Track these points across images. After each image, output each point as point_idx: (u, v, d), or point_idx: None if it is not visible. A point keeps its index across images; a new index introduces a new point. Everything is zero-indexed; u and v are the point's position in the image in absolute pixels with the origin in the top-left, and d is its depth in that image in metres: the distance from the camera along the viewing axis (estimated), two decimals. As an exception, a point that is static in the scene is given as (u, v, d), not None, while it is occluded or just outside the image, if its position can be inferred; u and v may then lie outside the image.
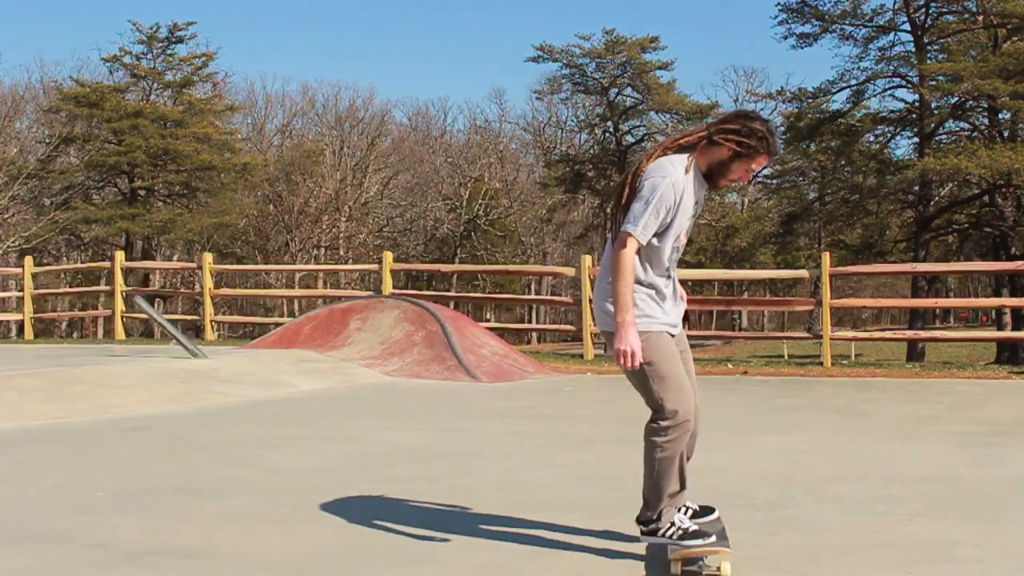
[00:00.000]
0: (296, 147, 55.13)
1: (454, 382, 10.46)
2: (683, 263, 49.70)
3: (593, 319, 4.27)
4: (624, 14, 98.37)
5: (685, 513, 3.93)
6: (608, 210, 4.03)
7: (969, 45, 35.62)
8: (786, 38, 38.50)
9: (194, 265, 21.17)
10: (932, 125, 35.49)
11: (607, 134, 50.26)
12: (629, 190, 3.71)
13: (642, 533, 3.87)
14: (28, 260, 18.94)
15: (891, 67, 36.32)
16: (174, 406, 8.66)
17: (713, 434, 7.16)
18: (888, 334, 22.37)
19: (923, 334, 25.86)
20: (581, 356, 13.89)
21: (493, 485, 5.42)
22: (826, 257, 13.31)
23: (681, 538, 3.74)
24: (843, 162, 38.40)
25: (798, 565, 3.84)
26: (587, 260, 14.11)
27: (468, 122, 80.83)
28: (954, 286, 61.81)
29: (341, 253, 53.65)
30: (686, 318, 4.03)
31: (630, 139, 49.64)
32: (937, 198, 36.97)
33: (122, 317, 17.47)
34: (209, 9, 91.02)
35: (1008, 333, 31.02)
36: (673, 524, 3.79)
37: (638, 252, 3.69)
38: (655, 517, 3.81)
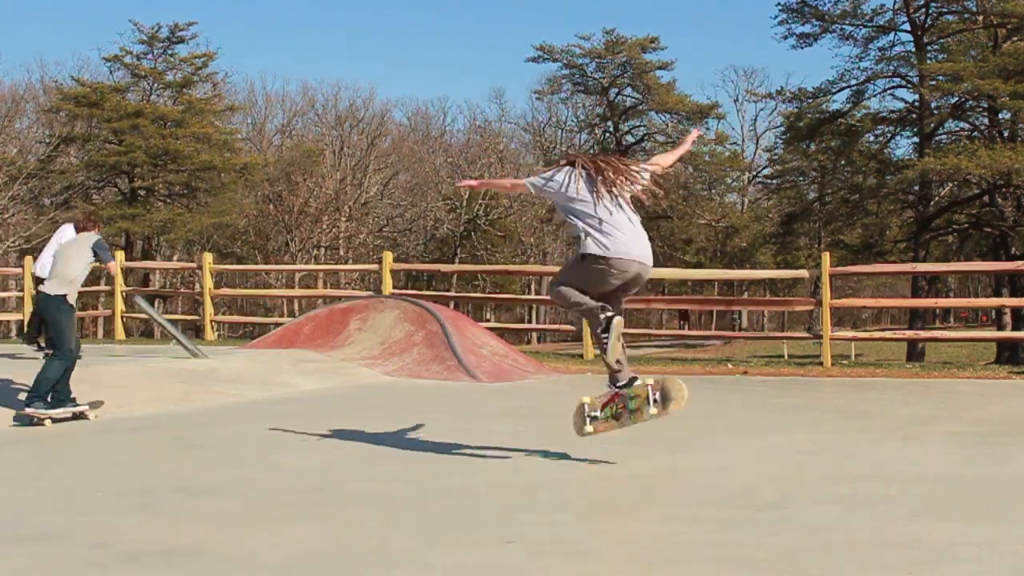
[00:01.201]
0: (296, 147, 55.09)
1: (454, 382, 10.45)
2: (683, 263, 49.66)
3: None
4: (624, 14, 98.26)
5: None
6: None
7: (969, 45, 35.59)
8: (786, 38, 38.48)
9: (194, 265, 21.16)
10: (932, 125, 35.46)
11: (607, 134, 50.23)
12: None
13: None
14: (28, 260, 18.91)
15: (891, 67, 36.30)
16: (174, 406, 8.67)
17: (713, 434, 7.17)
18: (888, 334, 22.37)
19: (923, 334, 25.85)
20: (581, 356, 13.89)
21: (493, 485, 5.42)
22: (826, 257, 13.30)
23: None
24: (843, 162, 38.38)
25: (798, 565, 3.84)
26: (587, 260, 14.09)
27: (468, 122, 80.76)
28: (954, 286, 61.80)
29: (341, 253, 53.63)
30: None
31: (630, 139, 49.63)
32: (937, 198, 36.94)
33: (122, 317, 17.46)
34: (209, 9, 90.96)
35: (1008, 333, 31.00)
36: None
37: None
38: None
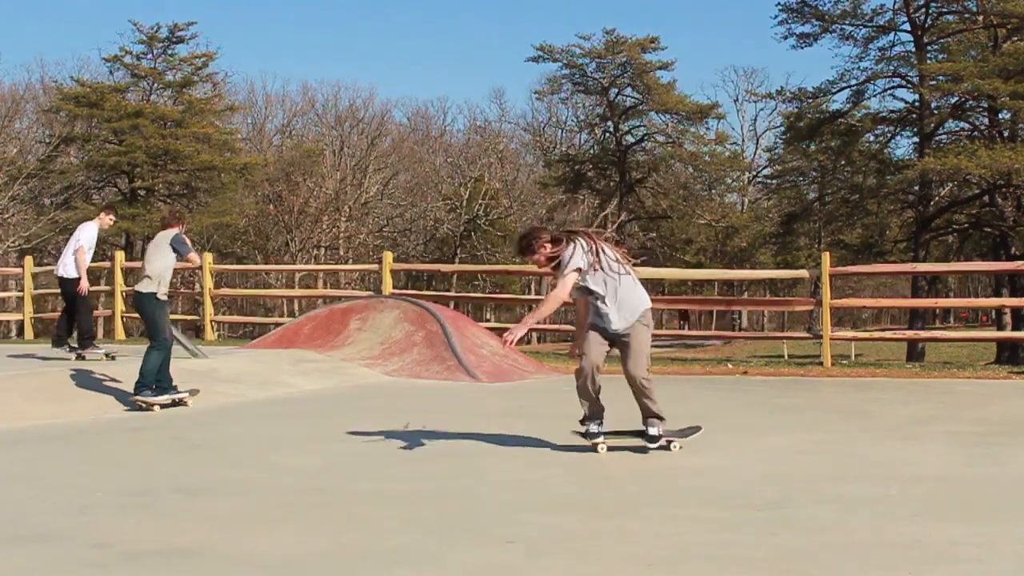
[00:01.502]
0: (296, 147, 55.09)
1: (454, 382, 10.45)
2: (683, 263, 49.58)
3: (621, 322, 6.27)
4: (624, 14, 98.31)
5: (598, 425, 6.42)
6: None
7: (969, 45, 35.59)
8: (786, 38, 38.48)
9: (194, 265, 21.11)
10: (932, 125, 35.47)
11: (607, 134, 50.21)
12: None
13: (584, 433, 6.39)
14: (28, 260, 18.91)
15: (891, 67, 36.30)
16: (174, 406, 8.66)
17: (713, 434, 7.16)
18: (888, 334, 22.35)
19: (923, 334, 25.84)
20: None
21: (493, 485, 5.42)
22: (826, 257, 13.28)
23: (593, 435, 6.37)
24: (843, 162, 38.38)
25: (798, 565, 3.84)
26: (587, 260, 14.09)
27: (468, 122, 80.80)
28: (954, 286, 61.79)
29: (341, 253, 53.63)
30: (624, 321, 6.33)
31: (630, 139, 49.60)
32: (937, 198, 36.94)
33: (122, 317, 17.45)
34: (209, 9, 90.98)
35: (1008, 333, 31.00)
36: (589, 430, 6.36)
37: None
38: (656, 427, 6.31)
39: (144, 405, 8.45)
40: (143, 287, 8.64)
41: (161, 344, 8.53)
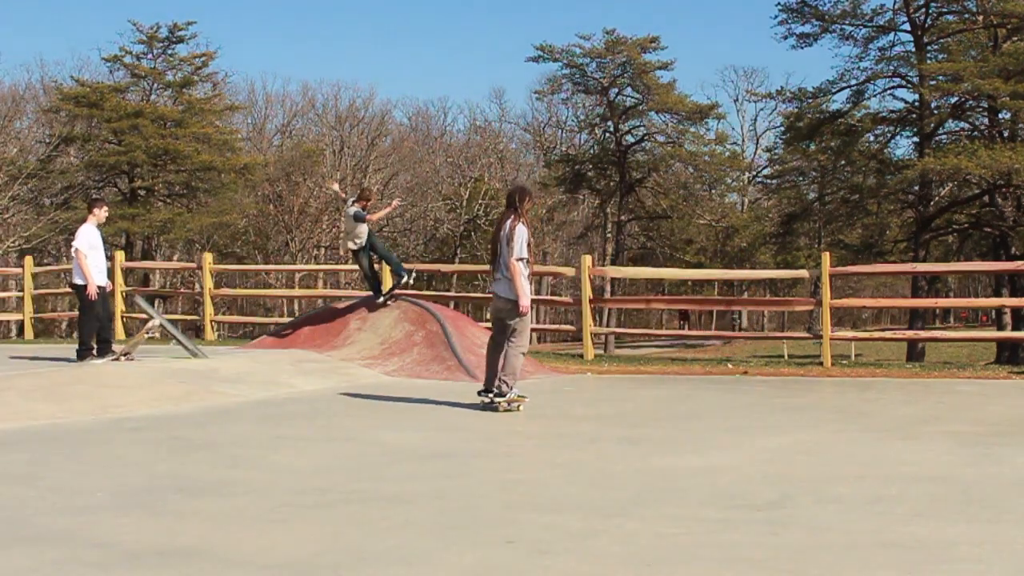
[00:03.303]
0: (296, 147, 55.10)
1: (454, 382, 10.45)
2: (683, 263, 49.47)
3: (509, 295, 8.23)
4: (624, 14, 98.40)
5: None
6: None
7: (969, 45, 35.58)
8: (786, 38, 38.46)
9: (194, 265, 21.15)
10: (932, 125, 35.45)
11: (607, 134, 50.17)
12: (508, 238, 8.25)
13: (496, 398, 8.33)
14: (28, 260, 18.90)
15: (891, 67, 36.28)
16: (174, 406, 8.66)
17: (713, 434, 7.17)
18: (888, 334, 22.36)
19: (923, 334, 25.84)
20: (581, 356, 13.89)
21: (493, 485, 5.42)
22: (826, 257, 13.28)
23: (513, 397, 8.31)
24: (843, 162, 38.35)
25: (798, 565, 3.84)
26: (587, 260, 14.10)
27: (468, 122, 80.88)
28: (954, 286, 61.79)
29: (341, 253, 53.65)
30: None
31: (630, 139, 49.55)
32: (937, 198, 36.93)
33: (122, 317, 17.44)
34: (209, 9, 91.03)
35: (1008, 333, 30.99)
36: (512, 390, 8.34)
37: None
38: (511, 388, 8.27)
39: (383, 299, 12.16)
40: (352, 246, 11.88)
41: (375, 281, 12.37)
